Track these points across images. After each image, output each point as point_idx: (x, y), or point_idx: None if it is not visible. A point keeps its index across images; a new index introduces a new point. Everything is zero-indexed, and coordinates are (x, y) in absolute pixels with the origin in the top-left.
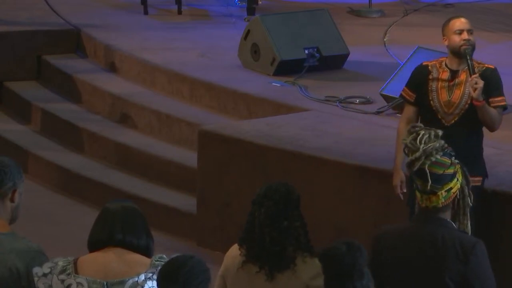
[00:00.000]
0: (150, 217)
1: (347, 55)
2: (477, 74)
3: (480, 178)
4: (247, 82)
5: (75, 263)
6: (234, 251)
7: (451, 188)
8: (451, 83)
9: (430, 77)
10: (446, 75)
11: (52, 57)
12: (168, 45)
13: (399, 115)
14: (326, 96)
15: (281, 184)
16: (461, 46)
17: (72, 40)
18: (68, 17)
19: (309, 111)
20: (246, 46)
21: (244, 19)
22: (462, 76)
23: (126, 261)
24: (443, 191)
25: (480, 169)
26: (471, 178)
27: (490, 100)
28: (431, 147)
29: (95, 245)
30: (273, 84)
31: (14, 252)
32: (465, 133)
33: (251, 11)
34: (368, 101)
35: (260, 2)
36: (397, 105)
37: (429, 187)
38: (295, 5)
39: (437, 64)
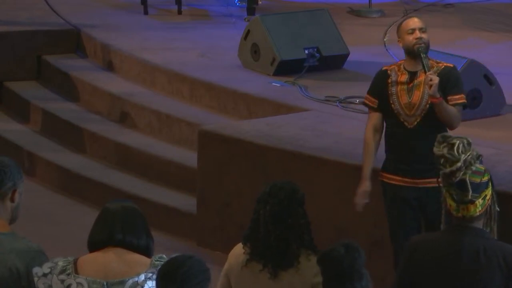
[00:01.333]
0: (150, 217)
1: (347, 55)
2: (432, 71)
3: None
4: (247, 82)
5: (75, 263)
6: (238, 250)
7: (486, 195)
8: (410, 85)
9: (389, 80)
10: (404, 77)
11: (52, 57)
12: (168, 45)
13: None
14: (326, 96)
15: (286, 182)
16: (414, 45)
17: (72, 40)
18: (68, 17)
19: (309, 111)
20: (246, 46)
21: (244, 19)
22: (421, 77)
23: (126, 261)
24: (480, 199)
25: None
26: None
27: (449, 98)
28: (470, 156)
29: (95, 245)
30: (273, 84)
31: (14, 252)
32: (429, 134)
33: (251, 11)
34: None
35: (260, 2)
36: None
37: (470, 196)
38: (295, 5)
39: (396, 68)
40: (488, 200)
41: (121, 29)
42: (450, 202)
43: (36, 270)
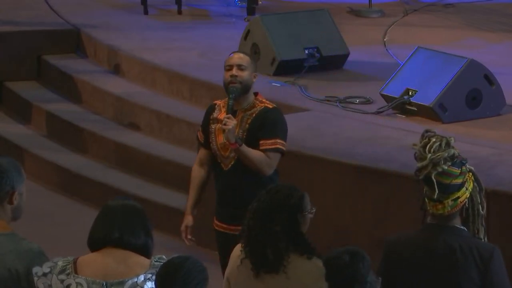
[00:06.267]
0: (150, 217)
1: (347, 55)
2: (229, 114)
3: None
4: None
5: (74, 263)
6: (237, 252)
7: (458, 197)
8: None
9: (211, 117)
10: (224, 115)
11: (52, 57)
12: (168, 45)
13: (399, 115)
14: (326, 96)
15: (285, 186)
16: (229, 83)
17: (72, 40)
18: (68, 17)
19: (309, 111)
20: (246, 46)
21: (244, 19)
22: (239, 116)
23: (125, 262)
24: (449, 200)
25: None
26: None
27: (260, 142)
28: (440, 156)
29: (94, 243)
30: (273, 84)
31: (14, 252)
32: (244, 179)
33: (251, 11)
34: (368, 101)
35: (260, 2)
36: (397, 105)
37: (435, 196)
38: (295, 5)
39: (222, 104)
40: (461, 202)
41: (121, 29)
42: (425, 197)
43: (36, 270)
